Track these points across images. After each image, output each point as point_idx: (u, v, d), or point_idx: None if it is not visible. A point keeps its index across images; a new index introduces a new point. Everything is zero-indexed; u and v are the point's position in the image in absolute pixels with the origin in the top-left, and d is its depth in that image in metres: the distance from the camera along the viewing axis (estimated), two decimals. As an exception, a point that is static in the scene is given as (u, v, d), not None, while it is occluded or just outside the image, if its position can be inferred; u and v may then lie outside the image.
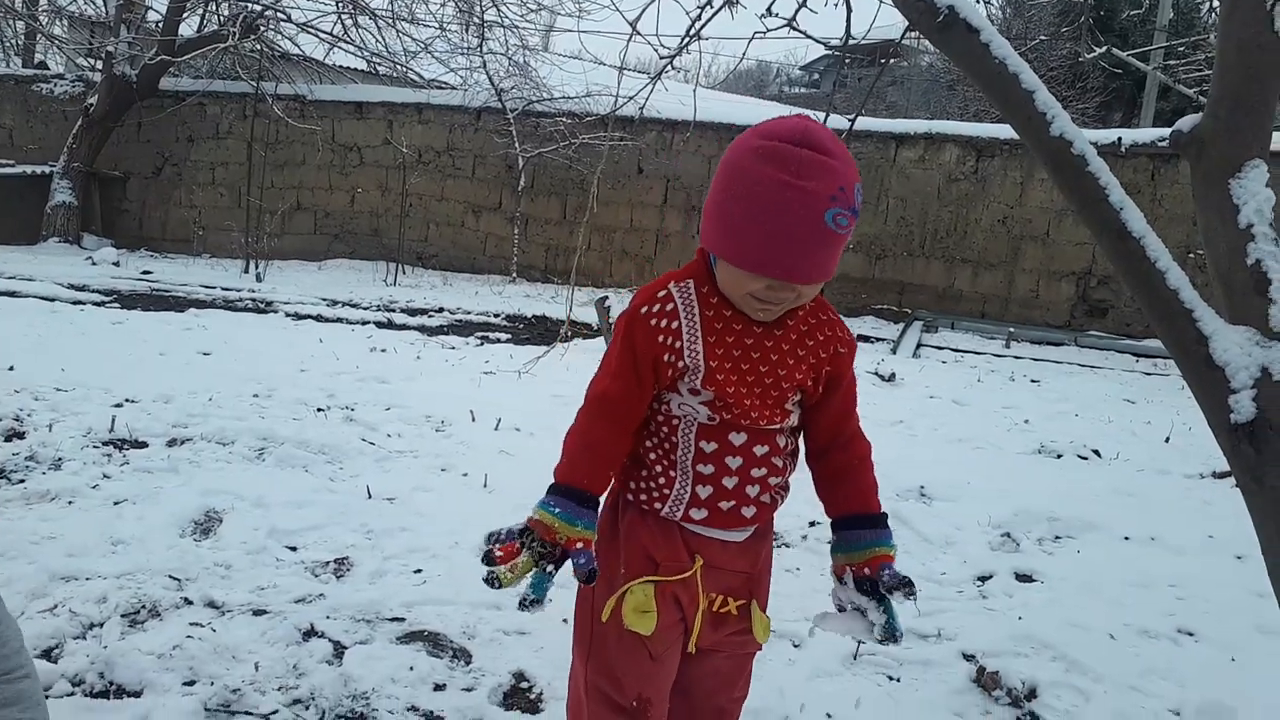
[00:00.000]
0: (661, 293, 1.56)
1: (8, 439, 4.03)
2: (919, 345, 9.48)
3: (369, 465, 4.17)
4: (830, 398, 1.66)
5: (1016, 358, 9.20)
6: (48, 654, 2.40)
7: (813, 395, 1.64)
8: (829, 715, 2.45)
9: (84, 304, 8.27)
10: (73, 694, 2.24)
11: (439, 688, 2.44)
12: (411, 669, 2.49)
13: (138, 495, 3.53)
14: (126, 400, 4.77)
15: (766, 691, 2.46)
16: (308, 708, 2.28)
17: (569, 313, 6.29)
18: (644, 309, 1.55)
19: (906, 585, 1.54)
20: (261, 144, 12.37)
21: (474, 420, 4.97)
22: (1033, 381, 7.96)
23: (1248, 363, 1.75)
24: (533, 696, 2.47)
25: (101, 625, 2.56)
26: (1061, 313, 10.66)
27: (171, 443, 4.21)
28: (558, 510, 1.53)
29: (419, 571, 3.13)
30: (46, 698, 2.15)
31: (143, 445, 4.15)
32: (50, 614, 2.58)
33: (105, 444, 4.09)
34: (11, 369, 5.06)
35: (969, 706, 2.57)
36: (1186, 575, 3.58)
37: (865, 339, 9.96)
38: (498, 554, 1.51)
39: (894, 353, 9.01)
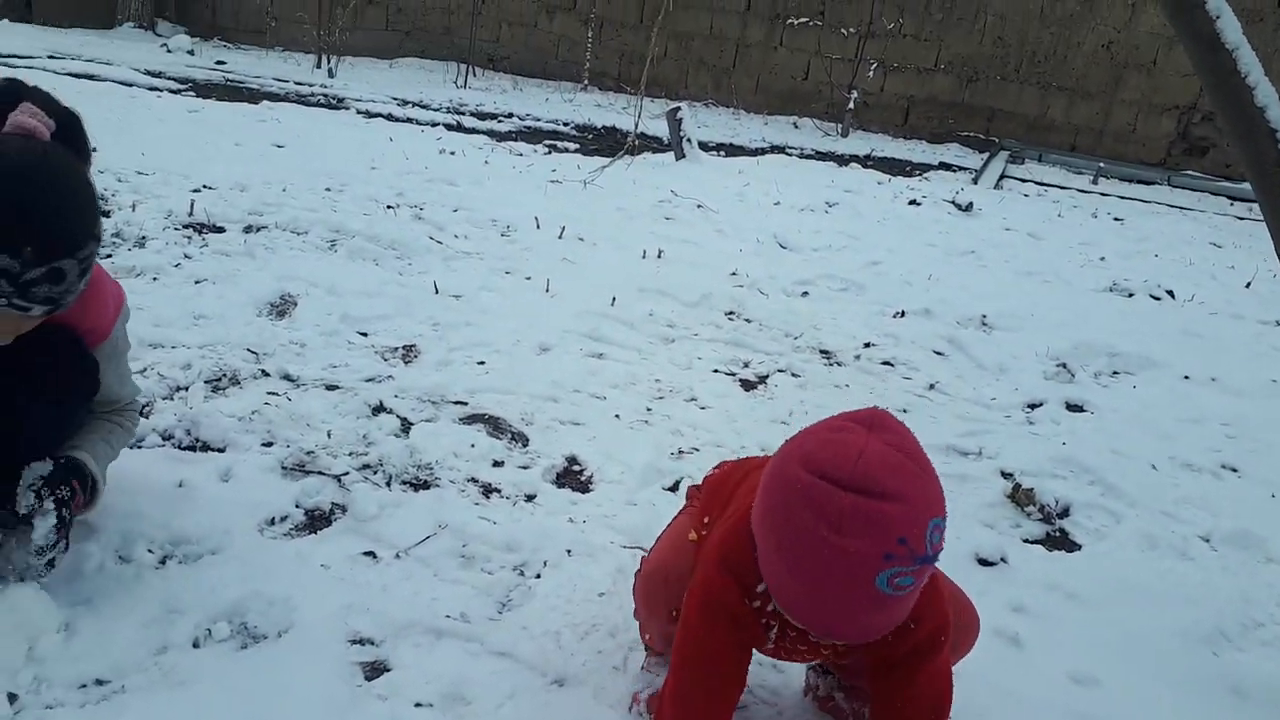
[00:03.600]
0: (761, 588, 1.41)
1: (95, 216, 4.21)
2: (1002, 176, 9.13)
3: (436, 263, 4.27)
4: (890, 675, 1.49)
5: (1103, 194, 8.82)
6: (140, 411, 2.60)
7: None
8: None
9: (160, 91, 8.36)
10: (163, 445, 2.44)
11: (497, 464, 2.61)
12: (473, 446, 2.65)
13: (217, 276, 3.69)
14: (204, 186, 4.90)
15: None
16: (376, 471, 2.46)
17: (637, 120, 6.16)
18: (748, 600, 1.43)
19: None
20: (333, -69, 11.96)
21: (539, 227, 5.01)
22: (1116, 220, 7.67)
23: (1328, 187, 1.69)
24: (583, 478, 2.62)
25: (187, 389, 2.76)
26: (1158, 150, 10.12)
27: (248, 229, 4.34)
28: None
29: (482, 363, 3.26)
30: (139, 448, 2.36)
31: (220, 230, 4.29)
32: (140, 376, 2.78)
33: (185, 226, 4.24)
34: (94, 150, 5.19)
35: (1000, 519, 2.67)
36: (1241, 415, 3.56)
37: (948, 167, 9.63)
38: None
39: (975, 182, 8.71)
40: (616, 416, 2.99)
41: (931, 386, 3.60)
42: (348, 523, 2.22)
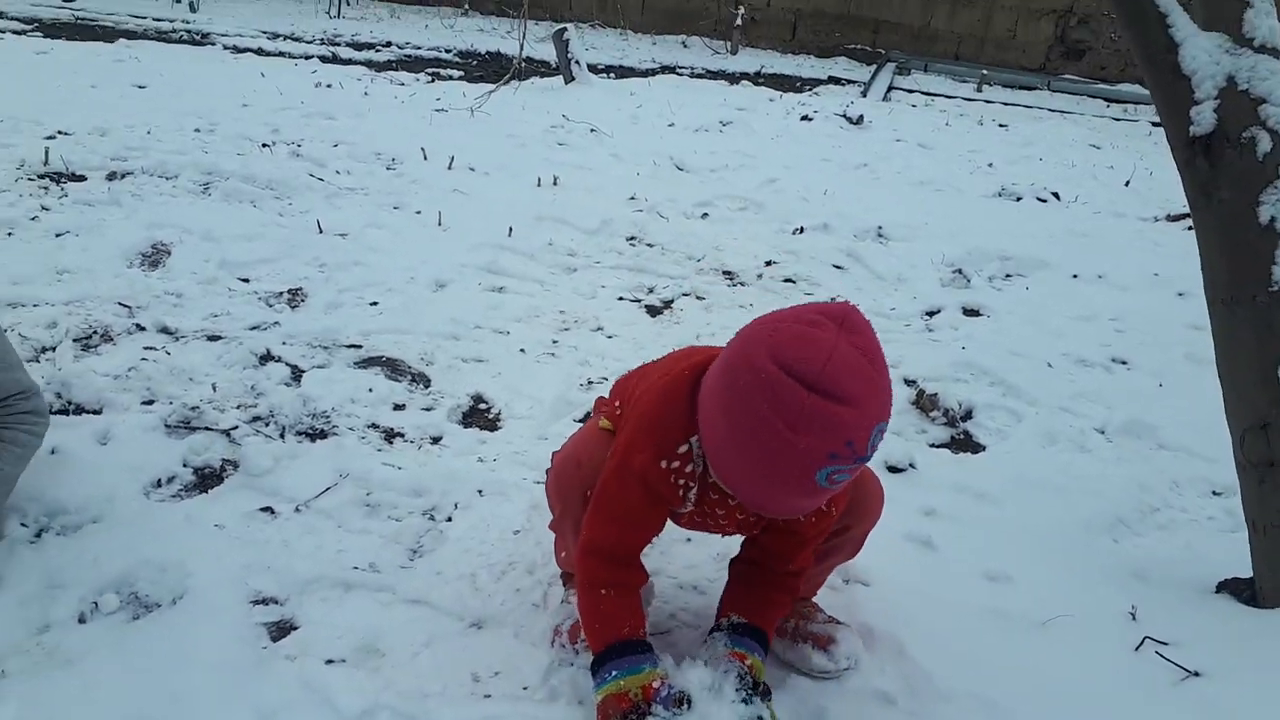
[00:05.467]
0: (683, 448, 1.42)
1: (-66, 170, 3.85)
2: (890, 88, 9.18)
3: (318, 201, 4.06)
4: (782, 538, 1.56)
5: (988, 102, 8.97)
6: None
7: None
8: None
9: (3, 33, 7.67)
10: (31, 412, 2.26)
11: (399, 407, 2.51)
12: (370, 391, 2.54)
13: (80, 227, 3.43)
14: (59, 133, 4.53)
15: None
16: (268, 424, 2.34)
17: (521, 43, 5.94)
18: (664, 462, 1.43)
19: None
20: None
21: (426, 158, 4.81)
22: (1001, 126, 7.82)
23: (1215, 71, 1.69)
24: (491, 416, 2.55)
25: (54, 349, 2.56)
26: (1037, 55, 10.32)
27: (111, 176, 4.04)
28: (615, 673, 1.45)
29: (375, 304, 3.12)
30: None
31: (81, 178, 3.98)
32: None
33: (41, 176, 3.92)
34: None
35: (906, 426, 2.71)
36: (1128, 310, 3.69)
37: (837, 80, 9.63)
38: None
39: (864, 95, 8.74)
40: (521, 351, 2.91)
41: (833, 300, 3.60)
42: (240, 479, 2.10)
